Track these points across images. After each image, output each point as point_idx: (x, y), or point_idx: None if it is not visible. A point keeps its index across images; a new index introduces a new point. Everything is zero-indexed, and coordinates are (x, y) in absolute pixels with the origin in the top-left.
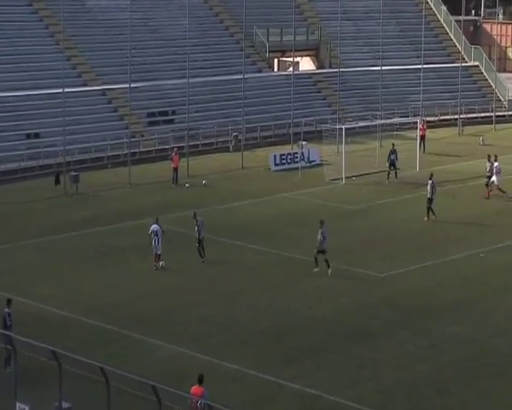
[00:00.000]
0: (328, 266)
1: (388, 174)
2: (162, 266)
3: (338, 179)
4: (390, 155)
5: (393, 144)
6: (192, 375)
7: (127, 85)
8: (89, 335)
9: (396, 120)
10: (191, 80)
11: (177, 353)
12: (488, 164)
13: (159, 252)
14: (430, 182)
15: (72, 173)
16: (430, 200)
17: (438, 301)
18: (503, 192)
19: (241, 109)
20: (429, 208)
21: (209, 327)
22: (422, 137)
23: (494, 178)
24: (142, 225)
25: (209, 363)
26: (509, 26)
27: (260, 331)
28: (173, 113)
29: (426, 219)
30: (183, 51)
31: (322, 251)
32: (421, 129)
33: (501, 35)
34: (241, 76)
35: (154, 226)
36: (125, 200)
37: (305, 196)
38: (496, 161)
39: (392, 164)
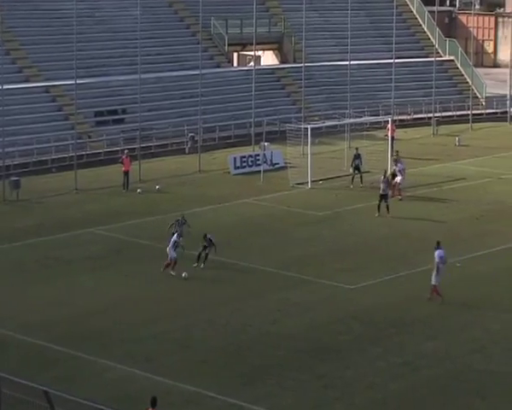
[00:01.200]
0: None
1: (353, 178)
2: (185, 277)
3: (303, 184)
4: (354, 159)
5: (357, 149)
6: (145, 398)
7: (73, 82)
8: (31, 355)
9: (366, 119)
10: (143, 76)
11: (128, 374)
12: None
13: (170, 260)
14: (385, 180)
15: (13, 179)
16: (383, 196)
17: (412, 315)
18: (399, 195)
19: (197, 108)
20: (379, 205)
21: (164, 345)
22: (392, 138)
23: (398, 178)
24: (90, 235)
25: (164, 384)
26: (486, 18)
27: (220, 349)
28: (123, 112)
29: (377, 215)
30: (134, 44)
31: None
32: (389, 129)
33: (477, 27)
34: (198, 71)
35: (176, 237)
36: (71, 207)
37: (267, 201)
38: (397, 161)
39: (357, 168)
